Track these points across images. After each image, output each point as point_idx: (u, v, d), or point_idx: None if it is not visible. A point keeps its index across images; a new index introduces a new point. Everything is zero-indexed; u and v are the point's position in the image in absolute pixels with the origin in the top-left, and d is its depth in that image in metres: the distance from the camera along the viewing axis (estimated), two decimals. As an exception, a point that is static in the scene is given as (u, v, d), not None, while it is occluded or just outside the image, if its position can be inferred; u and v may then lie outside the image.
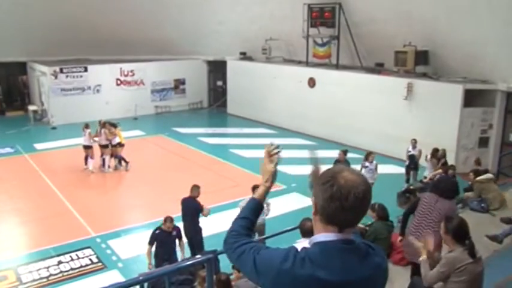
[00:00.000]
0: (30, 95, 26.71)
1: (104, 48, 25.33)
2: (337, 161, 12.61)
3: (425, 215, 6.05)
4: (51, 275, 9.78)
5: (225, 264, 7.38)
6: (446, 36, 16.35)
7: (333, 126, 19.71)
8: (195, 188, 9.99)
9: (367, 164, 12.52)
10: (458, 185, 7.02)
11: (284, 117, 22.19)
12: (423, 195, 6.62)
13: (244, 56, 25.33)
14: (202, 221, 10.27)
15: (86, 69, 24.01)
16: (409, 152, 14.34)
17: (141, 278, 5.76)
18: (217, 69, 27.10)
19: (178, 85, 26.67)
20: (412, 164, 14.27)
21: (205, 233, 11.32)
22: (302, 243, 5.72)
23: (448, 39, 16.36)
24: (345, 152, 12.97)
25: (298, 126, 21.41)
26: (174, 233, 9.06)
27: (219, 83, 27.40)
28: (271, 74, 22.81)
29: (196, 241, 9.88)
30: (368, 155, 12.73)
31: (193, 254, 9.57)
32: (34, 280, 9.59)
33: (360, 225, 7.38)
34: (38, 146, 19.58)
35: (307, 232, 5.84)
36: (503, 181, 12.09)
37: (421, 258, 4.97)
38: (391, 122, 17.47)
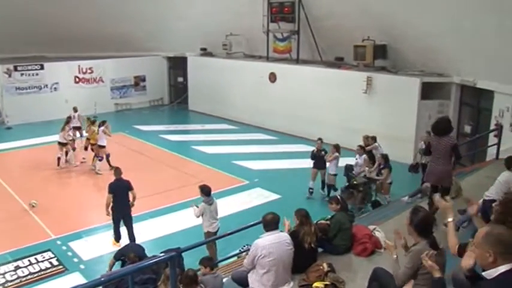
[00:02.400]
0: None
1: (61, 45, 24.70)
2: (315, 151, 13.15)
3: (436, 151, 7.81)
4: (7, 281, 9.43)
5: (189, 261, 7.38)
6: (403, 30, 16.66)
7: (294, 121, 19.83)
8: (118, 170, 10.76)
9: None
10: (450, 121, 8.19)
11: (246, 112, 22.19)
12: (430, 138, 8.39)
13: (205, 52, 25.17)
14: (172, 218, 10.26)
15: (42, 67, 23.39)
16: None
17: (102, 279, 5.66)
18: (177, 65, 26.85)
19: (139, 82, 26.31)
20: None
21: (171, 230, 11.34)
22: (265, 239, 5.78)
23: (405, 34, 16.67)
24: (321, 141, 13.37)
25: (260, 121, 21.45)
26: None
27: (180, 79, 27.15)
28: (232, 70, 22.75)
29: (128, 218, 10.59)
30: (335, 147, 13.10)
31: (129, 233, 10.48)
32: (-3, 285, 9.31)
33: (321, 221, 7.47)
34: (-8, 147, 18.96)
35: (267, 224, 5.89)
36: (459, 170, 12.42)
37: (394, 256, 5.01)
38: (351, 115, 17.69)
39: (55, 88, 23.77)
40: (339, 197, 7.50)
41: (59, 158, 16.12)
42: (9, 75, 22.45)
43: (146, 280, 7.42)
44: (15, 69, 22.64)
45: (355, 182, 12.12)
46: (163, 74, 27.34)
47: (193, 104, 25.73)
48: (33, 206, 12.63)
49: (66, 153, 16.27)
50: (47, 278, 9.53)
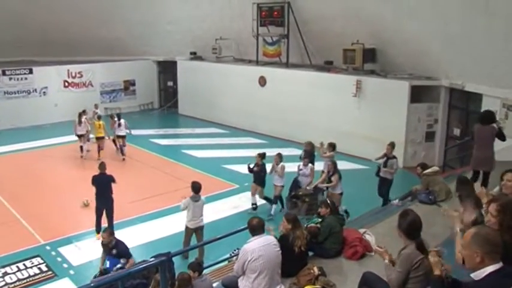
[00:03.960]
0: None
1: (50, 49, 24.61)
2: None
3: (479, 139, 8.79)
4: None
5: (178, 264, 7.36)
6: (392, 34, 16.77)
7: (284, 124, 19.85)
8: (103, 165, 11.29)
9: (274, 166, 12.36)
10: (494, 112, 9.26)
11: (235, 116, 22.20)
12: (475, 128, 8.93)
13: (195, 56, 25.16)
14: (162, 223, 10.98)
15: (31, 71, 23.26)
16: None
17: (92, 284, 5.63)
18: (167, 69, 26.81)
19: (128, 86, 26.24)
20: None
21: (161, 235, 11.29)
22: (253, 243, 5.75)
23: (394, 37, 16.78)
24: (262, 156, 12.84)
25: (250, 125, 21.46)
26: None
27: (170, 83, 27.11)
28: (222, 74, 22.75)
29: (109, 210, 11.08)
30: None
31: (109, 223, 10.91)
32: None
33: (312, 224, 7.47)
34: (-20, 152, 18.77)
35: (253, 229, 5.89)
36: (449, 173, 12.49)
37: (386, 261, 5.04)
38: (341, 119, 17.75)
39: (44, 92, 23.63)
40: (328, 200, 7.52)
41: (81, 147, 17.72)
42: (-2, 80, 22.27)
43: (137, 285, 7.39)
44: (4, 73, 22.49)
45: (300, 193, 12.08)
46: (153, 78, 27.27)
47: (183, 108, 25.69)
48: (85, 205, 12.69)
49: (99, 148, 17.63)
50: (36, 284, 9.44)
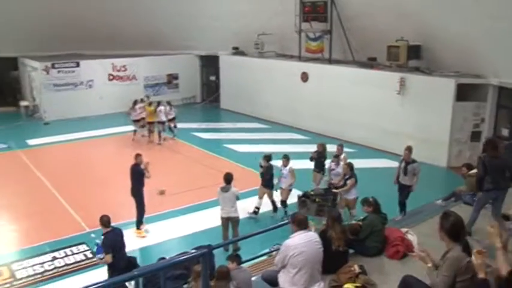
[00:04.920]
0: (22, 91, 26.56)
1: (96, 43, 25.23)
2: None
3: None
4: (46, 270, 9.79)
5: (219, 259, 7.46)
6: (438, 30, 16.41)
7: (325, 121, 19.75)
8: (138, 157, 11.29)
9: (282, 168, 12.03)
10: None
11: (277, 111, 22.20)
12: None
13: (237, 51, 25.28)
14: (202, 216, 11.25)
15: (78, 65, 23.89)
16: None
17: (136, 273, 5.77)
18: (210, 63, 27.04)
19: (171, 80, 26.62)
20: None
21: (201, 228, 11.44)
22: (295, 238, 5.77)
23: (440, 34, 16.41)
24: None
25: (291, 120, 21.44)
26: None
27: (212, 77, 27.33)
28: (264, 69, 22.78)
29: (136, 202, 11.14)
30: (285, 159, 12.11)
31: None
32: (29, 276, 9.60)
33: (353, 221, 7.45)
34: (31, 141, 19.51)
35: (299, 223, 5.91)
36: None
37: (429, 265, 4.90)
38: (383, 116, 17.52)
39: (90, 85, 24.25)
40: (371, 198, 7.45)
41: (135, 131, 19.35)
42: (47, 73, 23.01)
43: (178, 276, 7.52)
44: (53, 66, 23.20)
45: (311, 192, 11.90)
46: (195, 72, 27.58)
47: (225, 103, 25.88)
48: (162, 193, 13.24)
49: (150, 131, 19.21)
50: (82, 269, 9.77)
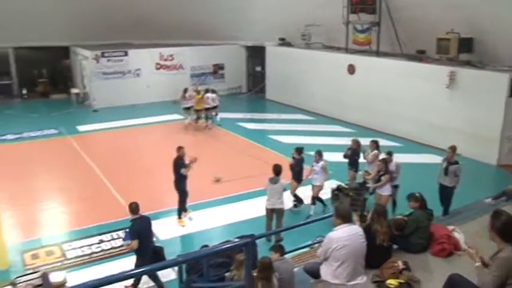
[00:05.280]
0: (73, 79, 27.39)
1: (144, 33, 25.72)
2: (350, 148, 12.48)
3: None
4: (93, 252, 10.14)
5: (261, 250, 7.51)
6: (491, 23, 15.85)
7: (371, 114, 19.48)
8: (180, 149, 11.29)
9: (313, 164, 11.78)
10: None
11: (323, 103, 22.05)
12: None
13: (284, 42, 25.19)
14: (245, 205, 11.56)
15: (126, 54, 24.40)
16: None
17: (180, 259, 5.89)
18: (256, 54, 27.07)
19: (217, 70, 26.85)
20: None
21: (244, 217, 11.53)
22: (339, 231, 5.75)
23: (493, 26, 15.85)
24: (357, 142, 12.57)
25: (337, 113, 21.24)
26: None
27: (258, 68, 27.37)
28: (310, 60, 22.63)
29: (179, 191, 11.31)
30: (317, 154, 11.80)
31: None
32: (77, 257, 9.96)
33: (398, 216, 7.35)
34: (81, 128, 20.13)
35: (343, 217, 5.87)
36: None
37: (476, 264, 4.81)
38: (431, 111, 17.12)
39: (138, 74, 24.73)
40: (418, 194, 7.32)
41: (185, 119, 19.99)
42: (97, 61, 23.61)
43: (220, 264, 7.62)
44: (103, 55, 23.77)
45: (345, 186, 11.63)
46: (241, 62, 27.70)
47: (270, 93, 25.89)
48: (218, 180, 13.51)
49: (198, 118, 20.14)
50: (127, 253, 10.00)
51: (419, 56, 18.55)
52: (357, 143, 12.60)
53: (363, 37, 20.88)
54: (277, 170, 10.36)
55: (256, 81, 27.69)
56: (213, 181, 13.70)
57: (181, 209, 11.44)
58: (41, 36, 24.72)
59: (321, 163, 11.60)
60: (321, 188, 11.70)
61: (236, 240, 7.01)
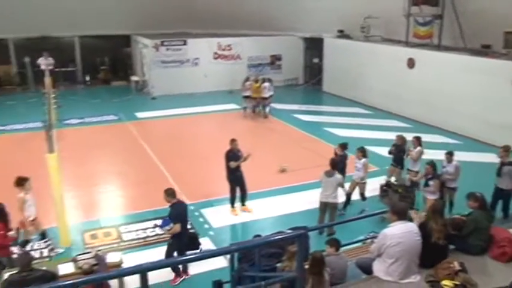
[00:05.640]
0: (133, 66, 28.12)
1: (202, 23, 26.06)
2: (395, 145, 12.14)
3: None
4: (148, 236, 10.44)
5: (313, 242, 7.49)
6: None
7: (430, 109, 18.93)
8: (233, 141, 11.24)
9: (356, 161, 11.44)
10: None
11: (380, 97, 21.63)
12: None
13: (342, 34, 24.85)
14: (297, 197, 11.64)
15: (185, 43, 24.77)
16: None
17: (234, 247, 5.96)
18: (313, 46, 26.83)
19: (275, 61, 26.84)
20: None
21: (295, 209, 11.53)
22: (394, 228, 5.66)
23: None
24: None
25: (395, 107, 20.79)
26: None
27: (315, 60, 27.13)
28: (369, 53, 22.22)
29: (228, 180, 11.41)
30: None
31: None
32: (133, 240, 10.29)
33: (456, 215, 7.13)
34: (139, 114, 20.69)
35: (398, 213, 5.76)
36: None
37: None
38: (494, 108, 16.43)
39: (196, 63, 25.08)
40: (478, 194, 7.07)
41: (245, 107, 20.49)
42: (157, 50, 24.11)
43: (272, 254, 7.65)
44: (162, 44, 24.25)
45: (394, 182, 11.23)
46: (299, 54, 27.52)
47: (327, 86, 25.63)
48: (283, 170, 13.67)
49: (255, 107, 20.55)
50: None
51: (484, 50, 17.83)
52: (402, 139, 12.19)
53: (424, 30, 20.30)
54: (332, 163, 10.31)
55: (313, 73, 27.47)
56: (278, 171, 13.74)
57: (232, 199, 11.52)
58: (104, 25, 25.55)
59: (363, 160, 11.28)
60: (357, 185, 11.44)
61: (289, 231, 7.03)
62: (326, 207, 10.36)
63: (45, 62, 21.51)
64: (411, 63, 19.97)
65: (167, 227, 8.38)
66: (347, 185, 11.31)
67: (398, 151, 12.06)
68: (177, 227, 8.37)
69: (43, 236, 9.74)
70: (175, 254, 8.56)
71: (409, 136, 12.50)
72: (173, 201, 8.54)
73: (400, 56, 20.40)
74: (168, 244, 8.65)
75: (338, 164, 11.06)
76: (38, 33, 24.90)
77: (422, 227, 6.17)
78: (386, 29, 22.73)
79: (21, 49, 25.76)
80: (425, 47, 20.04)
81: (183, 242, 8.62)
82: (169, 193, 8.56)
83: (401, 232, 5.62)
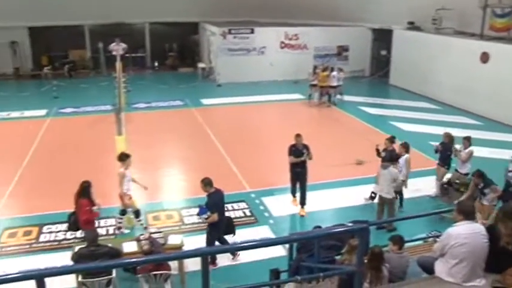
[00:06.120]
0: (200, 54, 28.59)
1: (270, 11, 26.06)
2: (442, 143, 11.61)
3: None
4: (208, 221, 10.59)
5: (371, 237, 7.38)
6: None
7: (504, 107, 18.02)
8: (298, 137, 10.85)
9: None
10: None
11: (450, 93, 20.85)
12: None
13: (412, 26, 24.11)
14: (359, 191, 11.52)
15: (252, 31, 24.89)
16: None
17: (295, 236, 5.98)
18: (382, 37, 26.23)
19: (341, 52, 26.46)
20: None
21: (354, 202, 11.43)
22: (459, 228, 5.48)
23: None
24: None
25: (465, 103, 19.97)
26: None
27: (383, 52, 26.51)
28: (440, 46, 21.45)
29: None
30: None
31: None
32: (193, 223, 10.50)
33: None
34: (204, 101, 21.07)
35: (464, 213, 5.56)
36: None
37: None
38: None
39: (262, 52, 25.17)
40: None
41: (310, 95, 20.72)
42: (224, 37, 24.38)
43: (331, 246, 7.62)
44: (230, 32, 24.49)
45: (457, 181, 10.68)
46: (366, 45, 27.01)
47: (394, 79, 25.00)
48: (359, 163, 13.70)
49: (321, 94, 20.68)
50: (240, 225, 10.33)
51: None
52: (449, 137, 11.61)
53: (502, 22, 19.38)
54: (390, 156, 10.05)
55: (380, 65, 26.88)
56: (354, 163, 13.60)
57: (293, 190, 11.39)
58: (173, 13, 26.13)
59: (405, 156, 10.78)
60: (402, 182, 10.76)
61: (350, 224, 6.97)
62: (383, 202, 10.16)
63: (117, 48, 22.30)
64: (485, 57, 19.09)
65: (204, 216, 8.52)
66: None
67: (445, 149, 11.49)
68: (214, 216, 8.47)
69: (137, 214, 10.05)
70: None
71: (478, 134, 12.04)
72: (210, 191, 8.64)
73: (474, 49, 19.54)
74: (207, 233, 8.79)
75: (385, 159, 10.73)
76: (112, 20, 25.85)
77: (491, 229, 5.93)
78: (459, 21, 21.82)
79: (95, 35, 26.87)
80: (501, 41, 19.11)
81: (220, 230, 8.77)
82: (206, 183, 8.65)
83: (467, 232, 5.42)
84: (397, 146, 11.20)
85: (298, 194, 11.25)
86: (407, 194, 11.21)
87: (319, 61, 24.97)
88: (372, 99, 22.41)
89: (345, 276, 5.86)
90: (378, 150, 11.03)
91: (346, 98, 21.32)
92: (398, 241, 6.72)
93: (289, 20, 26.00)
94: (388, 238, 6.96)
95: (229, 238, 9.13)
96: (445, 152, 11.50)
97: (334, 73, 20.30)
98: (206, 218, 8.52)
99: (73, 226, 9.10)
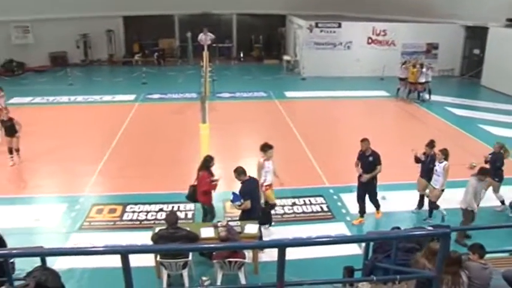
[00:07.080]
0: (286, 46, 28.67)
1: (358, 6, 25.64)
2: (492, 153, 10.85)
3: None
4: (285, 213, 10.70)
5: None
6: None
7: None
8: (363, 142, 10.39)
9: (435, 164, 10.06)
10: None
11: (549, 96, 19.50)
12: None
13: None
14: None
15: (339, 26, 24.63)
16: None
17: (373, 235, 5.89)
18: (475, 35, 24.97)
19: (431, 49, 25.54)
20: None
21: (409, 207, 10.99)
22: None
23: None
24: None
25: None
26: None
27: (476, 51, 25.22)
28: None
29: None
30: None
31: None
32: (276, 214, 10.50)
33: None
34: (288, 93, 21.19)
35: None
36: None
37: None
38: None
39: (348, 47, 24.86)
40: None
41: (398, 89, 20.75)
42: (311, 31, 24.31)
43: (409, 249, 7.43)
44: (316, 25, 24.38)
45: None
46: (458, 43, 25.81)
47: (487, 80, 23.64)
48: (473, 167, 13.46)
49: (409, 90, 20.74)
50: (316, 220, 10.38)
51: None
52: (500, 147, 10.80)
53: None
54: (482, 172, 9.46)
55: (471, 65, 25.59)
56: (468, 167, 13.04)
57: (360, 208, 10.99)
58: (261, 4, 26.38)
59: (444, 163, 9.98)
60: (440, 192, 10.11)
61: (430, 228, 6.75)
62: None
63: (205, 38, 22.89)
64: None
65: (238, 203, 8.77)
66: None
67: (495, 160, 10.67)
68: (247, 203, 8.73)
69: (271, 207, 9.99)
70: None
71: None
72: (244, 179, 8.89)
73: None
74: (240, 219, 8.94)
75: (428, 165, 10.27)
76: (200, 10, 26.54)
77: None
78: None
79: (184, 24, 27.76)
80: None
81: (255, 217, 8.86)
82: (240, 171, 8.92)
83: None
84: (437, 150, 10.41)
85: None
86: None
87: (407, 58, 24.19)
88: (460, 100, 21.39)
89: (423, 281, 5.70)
90: (416, 157, 10.55)
91: (434, 97, 20.54)
92: (478, 249, 6.40)
93: (376, 15, 25.45)
94: (467, 248, 6.66)
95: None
96: (495, 162, 10.73)
97: (423, 70, 20.11)
98: (239, 205, 8.78)
99: (191, 197, 9.62)
